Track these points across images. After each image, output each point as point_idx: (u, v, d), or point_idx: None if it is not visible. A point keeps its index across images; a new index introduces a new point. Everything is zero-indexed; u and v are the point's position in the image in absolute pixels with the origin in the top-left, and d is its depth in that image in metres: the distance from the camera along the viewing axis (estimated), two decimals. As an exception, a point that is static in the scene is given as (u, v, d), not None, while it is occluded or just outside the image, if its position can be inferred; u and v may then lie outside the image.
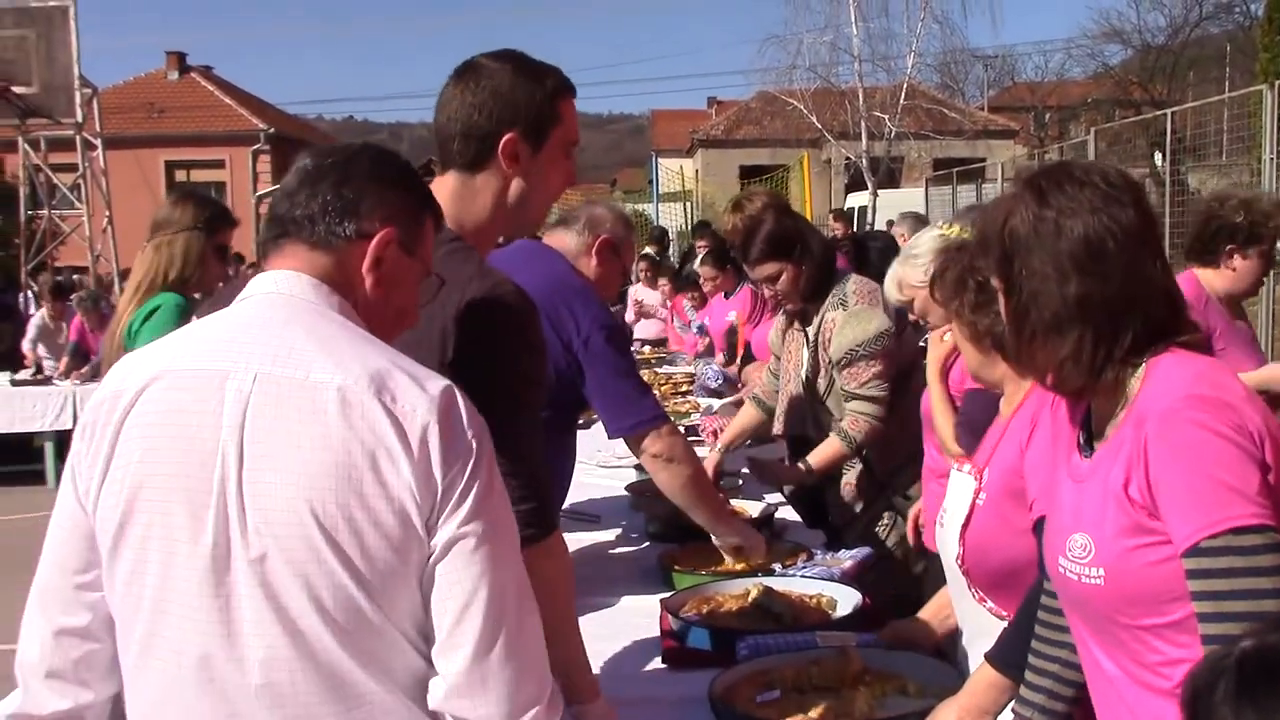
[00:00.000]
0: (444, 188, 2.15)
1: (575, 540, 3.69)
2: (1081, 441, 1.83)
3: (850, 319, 3.84)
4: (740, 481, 4.21)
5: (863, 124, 24.42)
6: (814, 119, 25.21)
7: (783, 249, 3.91)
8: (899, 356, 3.86)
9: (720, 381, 6.16)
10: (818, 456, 3.87)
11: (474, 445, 1.54)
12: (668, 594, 2.92)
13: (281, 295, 1.61)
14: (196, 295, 3.92)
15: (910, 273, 3.41)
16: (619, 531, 3.75)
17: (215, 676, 1.50)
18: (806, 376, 4.05)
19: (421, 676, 1.53)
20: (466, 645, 1.49)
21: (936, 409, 3.22)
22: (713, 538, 3.13)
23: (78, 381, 10.87)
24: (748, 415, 4.49)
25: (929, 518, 3.40)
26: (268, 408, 1.49)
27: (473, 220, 2.17)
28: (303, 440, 1.47)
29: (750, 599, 2.80)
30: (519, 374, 2.00)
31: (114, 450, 1.55)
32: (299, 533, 1.46)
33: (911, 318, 3.61)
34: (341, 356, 1.52)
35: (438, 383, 1.54)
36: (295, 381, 1.50)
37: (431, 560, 1.50)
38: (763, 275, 4.03)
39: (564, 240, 3.21)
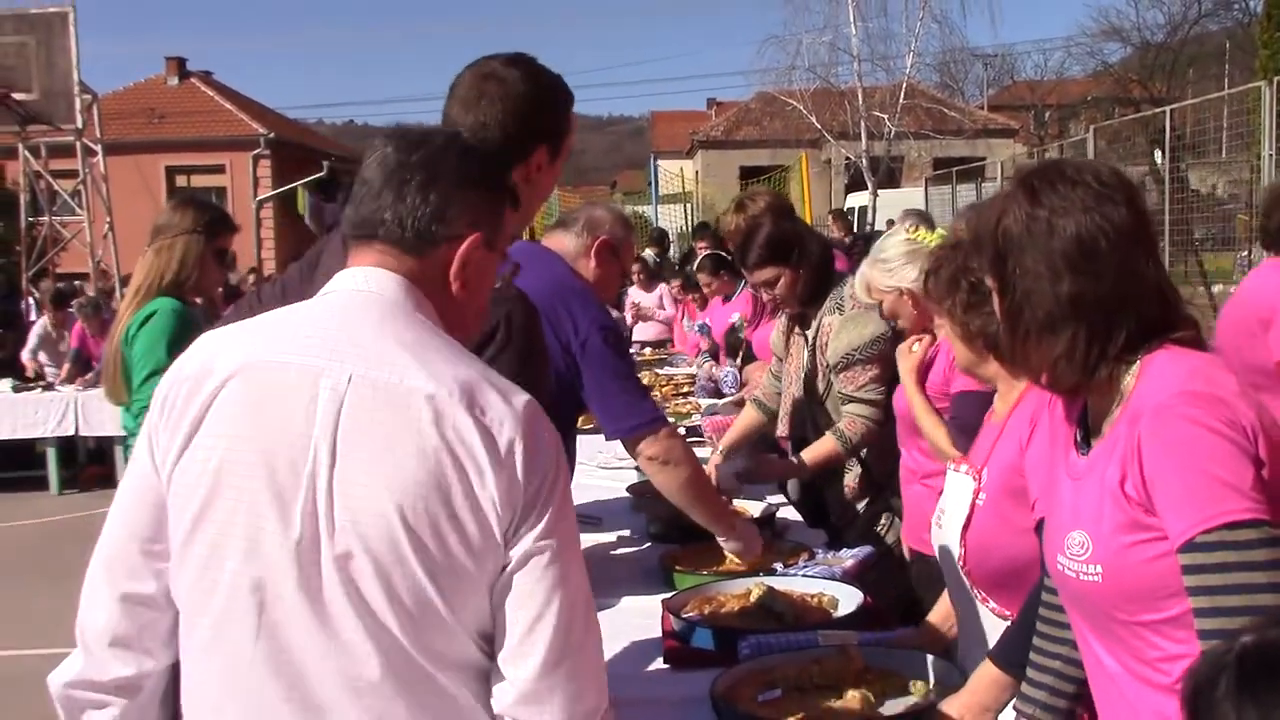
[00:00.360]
0: None
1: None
2: (1078, 439, 1.83)
3: (847, 323, 3.84)
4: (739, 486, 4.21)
5: (862, 124, 24.44)
6: (813, 119, 25.23)
7: (780, 254, 3.91)
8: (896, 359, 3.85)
9: (735, 386, 6.11)
10: (812, 453, 3.88)
11: (553, 461, 1.58)
12: (669, 594, 2.92)
13: (372, 295, 1.62)
14: (197, 300, 3.93)
15: (878, 275, 3.41)
16: (620, 533, 3.75)
17: (293, 662, 1.53)
18: (805, 379, 4.05)
19: (479, 673, 1.57)
20: (537, 655, 1.54)
21: (922, 417, 3.21)
22: (716, 537, 3.13)
23: (80, 388, 10.88)
24: (749, 417, 4.49)
25: (912, 520, 3.40)
26: (362, 410, 1.52)
27: None
28: (396, 445, 1.50)
29: (752, 598, 2.81)
30: (523, 378, 2.02)
31: (196, 430, 1.57)
32: (385, 534, 1.49)
33: (884, 317, 3.62)
34: (433, 365, 1.55)
35: (521, 396, 1.58)
36: (390, 386, 1.53)
37: (507, 570, 1.54)
38: (760, 280, 4.05)
39: (563, 242, 3.21)
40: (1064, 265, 1.70)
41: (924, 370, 3.30)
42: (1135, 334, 1.71)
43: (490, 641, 1.57)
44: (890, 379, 3.79)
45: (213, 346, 1.64)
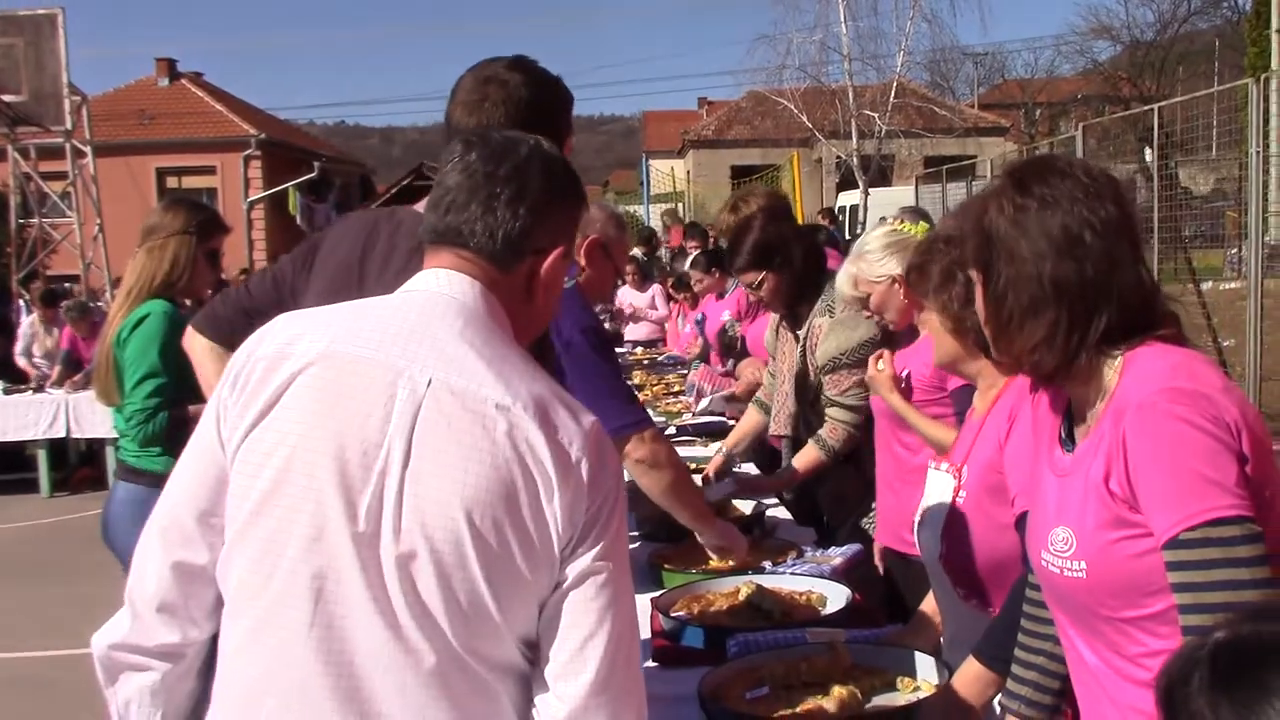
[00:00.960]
0: None
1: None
2: (1063, 436, 1.85)
3: (836, 326, 3.85)
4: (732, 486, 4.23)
5: (853, 123, 24.44)
6: (804, 118, 25.23)
7: (764, 258, 3.93)
8: None
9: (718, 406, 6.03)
10: (800, 461, 3.91)
11: (615, 483, 1.61)
12: (658, 593, 2.93)
13: (455, 300, 1.64)
14: (187, 301, 3.93)
15: (864, 268, 3.42)
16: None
17: (344, 654, 1.54)
18: (797, 379, 4.06)
19: (519, 676, 1.60)
20: (588, 673, 1.56)
21: (921, 425, 3.19)
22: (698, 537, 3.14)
23: (70, 390, 10.85)
24: (751, 419, 4.50)
25: (887, 520, 3.40)
26: (439, 415, 1.54)
27: None
28: (469, 453, 1.53)
29: (740, 597, 2.82)
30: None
31: (268, 411, 1.59)
32: (451, 537, 1.52)
33: (865, 314, 3.61)
34: (509, 378, 1.58)
35: (589, 417, 1.62)
36: (467, 394, 1.55)
37: (564, 587, 1.57)
38: (745, 282, 4.10)
39: None
40: (1049, 251, 1.72)
41: (899, 380, 3.30)
42: (1117, 325, 1.72)
43: (532, 647, 1.60)
44: None
45: (293, 329, 1.66)
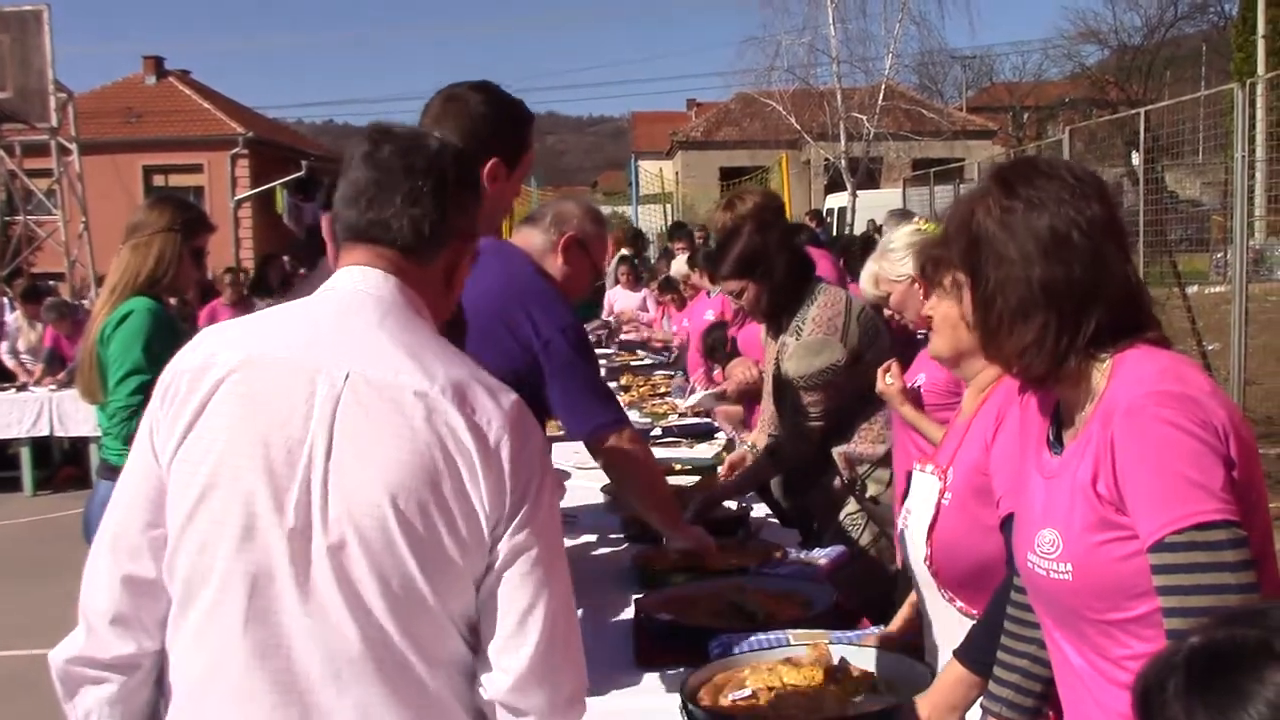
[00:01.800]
0: None
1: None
2: (1050, 438, 1.85)
3: (799, 351, 3.84)
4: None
5: (841, 125, 24.47)
6: (793, 120, 25.25)
7: (746, 268, 3.94)
8: (856, 384, 3.82)
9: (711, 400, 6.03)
10: (751, 469, 4.04)
11: (540, 459, 1.67)
12: (642, 594, 2.93)
13: (370, 295, 1.69)
14: (171, 299, 3.91)
15: (887, 266, 3.43)
16: (596, 533, 3.76)
17: (280, 649, 1.59)
18: (774, 387, 4.08)
19: (461, 664, 1.65)
20: (529, 645, 1.62)
21: (931, 432, 3.18)
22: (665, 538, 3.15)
23: (54, 387, 10.80)
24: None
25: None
26: (358, 406, 1.60)
27: None
28: (389, 439, 1.58)
29: (724, 598, 2.82)
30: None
31: (196, 421, 1.64)
32: (378, 523, 1.57)
33: (887, 312, 3.63)
34: (427, 364, 1.63)
35: (509, 396, 1.66)
36: (385, 384, 1.60)
37: (497, 566, 1.62)
38: (727, 290, 4.12)
39: (530, 238, 3.15)
40: (1037, 253, 1.71)
41: (909, 391, 3.31)
42: (1105, 328, 1.72)
43: (477, 635, 1.64)
44: (833, 403, 3.81)
45: (215, 341, 1.71)
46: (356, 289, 1.70)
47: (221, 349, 1.68)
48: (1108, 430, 1.66)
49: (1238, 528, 1.56)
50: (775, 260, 3.93)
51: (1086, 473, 1.68)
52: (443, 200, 1.73)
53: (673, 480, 4.16)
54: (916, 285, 3.29)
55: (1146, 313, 1.78)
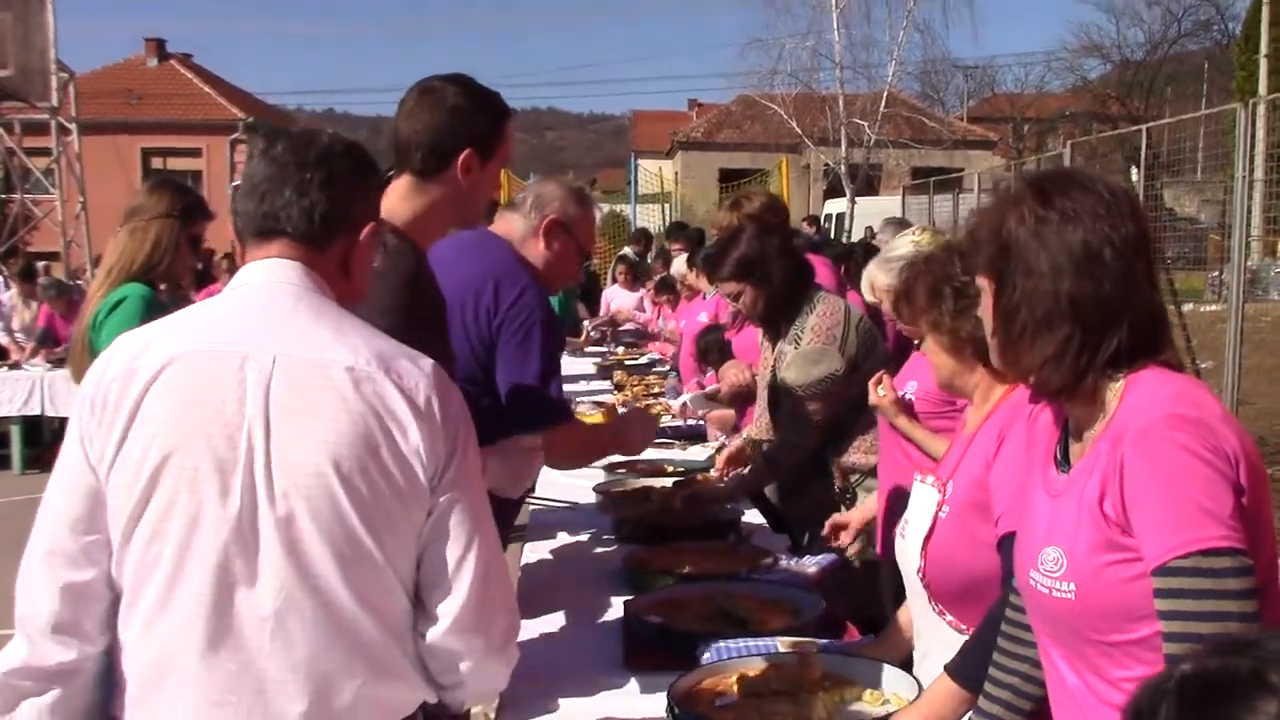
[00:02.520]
0: (397, 187, 2.48)
1: (545, 542, 3.70)
2: (1058, 455, 1.84)
3: (798, 359, 3.84)
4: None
5: (843, 130, 24.48)
6: (794, 124, 25.26)
7: (744, 272, 3.92)
8: (852, 393, 3.82)
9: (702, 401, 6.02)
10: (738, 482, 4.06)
11: (464, 414, 1.80)
12: (631, 596, 2.92)
13: (281, 284, 1.78)
14: (163, 286, 3.89)
15: (882, 274, 3.45)
16: (588, 533, 3.75)
17: (233, 626, 1.67)
18: (770, 393, 4.08)
19: (404, 618, 1.77)
20: (463, 589, 1.75)
21: (926, 443, 3.19)
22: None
23: (45, 363, 10.76)
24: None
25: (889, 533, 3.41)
26: (289, 385, 1.69)
27: (420, 219, 2.48)
28: (323, 413, 1.68)
29: (713, 603, 2.81)
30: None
31: (131, 424, 1.69)
32: (324, 491, 1.67)
33: (886, 318, 3.64)
34: (350, 339, 1.74)
35: (427, 361, 1.79)
36: (312, 361, 1.70)
37: (435, 514, 1.75)
38: (725, 292, 4.11)
39: (510, 225, 3.09)
40: (1068, 267, 1.70)
41: (902, 401, 3.31)
42: (1125, 347, 1.71)
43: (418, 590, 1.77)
44: (830, 412, 3.81)
45: (134, 346, 1.76)
46: (267, 280, 1.78)
47: (143, 353, 1.73)
48: (1118, 450, 1.65)
49: (1244, 556, 1.55)
50: (774, 265, 3.93)
51: (1094, 492, 1.67)
52: (333, 190, 1.81)
53: (664, 482, 4.17)
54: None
55: (1164, 335, 1.76)
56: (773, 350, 4.07)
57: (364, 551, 1.69)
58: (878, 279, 3.48)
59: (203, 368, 1.70)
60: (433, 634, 1.76)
